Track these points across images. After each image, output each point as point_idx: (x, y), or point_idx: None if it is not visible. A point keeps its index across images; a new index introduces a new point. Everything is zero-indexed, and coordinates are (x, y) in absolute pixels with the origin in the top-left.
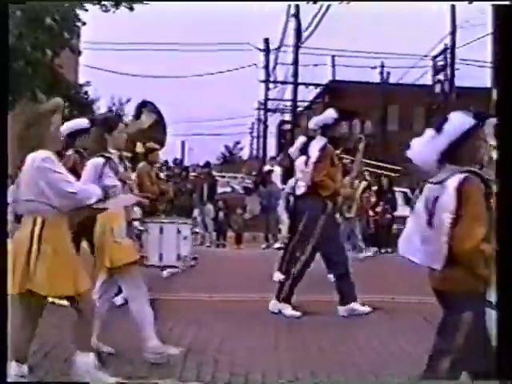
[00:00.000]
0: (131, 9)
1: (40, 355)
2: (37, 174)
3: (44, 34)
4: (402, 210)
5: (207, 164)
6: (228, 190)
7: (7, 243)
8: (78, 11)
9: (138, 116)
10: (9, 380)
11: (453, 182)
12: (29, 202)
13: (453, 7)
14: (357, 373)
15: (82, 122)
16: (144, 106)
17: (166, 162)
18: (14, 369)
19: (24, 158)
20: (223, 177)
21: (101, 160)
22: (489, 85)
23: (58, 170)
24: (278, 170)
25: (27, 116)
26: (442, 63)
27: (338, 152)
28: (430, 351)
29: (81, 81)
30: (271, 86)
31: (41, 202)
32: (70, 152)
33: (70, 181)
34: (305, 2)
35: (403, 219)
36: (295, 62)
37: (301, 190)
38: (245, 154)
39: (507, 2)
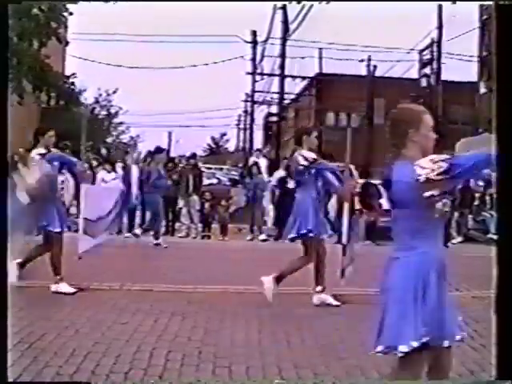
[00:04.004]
0: None
1: None
2: None
3: (30, 24)
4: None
5: (193, 155)
6: (214, 181)
7: (7, 241)
8: (65, 1)
9: None
10: (9, 380)
11: None
12: None
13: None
14: (341, 366)
15: None
16: None
17: (151, 152)
18: None
19: None
20: (209, 168)
21: None
22: (475, 79)
23: None
24: (263, 162)
25: None
26: (428, 57)
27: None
28: None
29: (68, 71)
30: (258, 78)
31: None
32: None
33: None
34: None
35: (388, 212)
36: (282, 55)
37: None
38: (231, 145)
39: (491, 2)
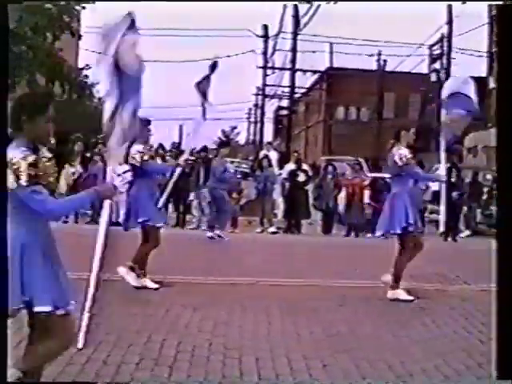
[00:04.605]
0: None
1: None
2: None
3: (44, 18)
4: None
5: (204, 148)
6: None
7: (7, 241)
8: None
9: None
10: (9, 380)
11: None
12: None
13: None
14: (350, 358)
15: None
16: None
17: (162, 145)
18: None
19: None
20: None
21: None
22: (484, 74)
23: None
24: (274, 155)
25: None
26: (438, 52)
27: None
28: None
29: (80, 64)
30: (269, 72)
31: None
32: None
33: None
34: None
35: None
36: (293, 49)
37: None
38: (242, 138)
39: (500, 2)
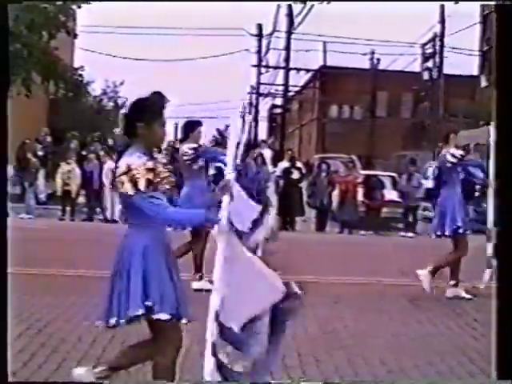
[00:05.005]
0: None
1: None
2: None
3: (40, 16)
4: (389, 193)
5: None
6: None
7: (7, 242)
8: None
9: None
10: (9, 380)
11: None
12: None
13: None
14: (344, 354)
15: None
16: None
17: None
18: None
19: None
20: None
21: None
22: (476, 72)
23: None
24: (268, 152)
25: None
26: (430, 51)
27: None
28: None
29: (76, 63)
30: (263, 70)
31: None
32: None
33: None
34: None
35: (391, 203)
36: (287, 48)
37: None
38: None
39: (493, 2)
